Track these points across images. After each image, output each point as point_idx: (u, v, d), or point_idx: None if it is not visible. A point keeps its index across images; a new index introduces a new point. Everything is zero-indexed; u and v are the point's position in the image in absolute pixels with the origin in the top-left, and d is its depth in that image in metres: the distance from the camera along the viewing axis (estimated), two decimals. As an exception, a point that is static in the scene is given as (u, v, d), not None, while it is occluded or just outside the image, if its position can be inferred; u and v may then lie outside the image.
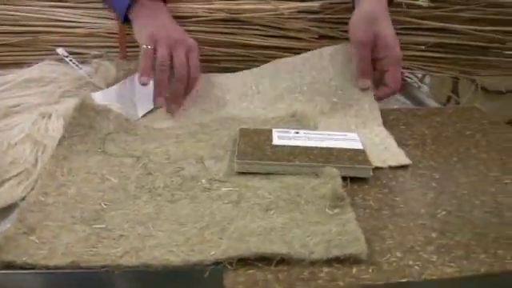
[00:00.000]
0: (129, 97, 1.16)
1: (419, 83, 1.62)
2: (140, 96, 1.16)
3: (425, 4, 1.29)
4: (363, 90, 1.16)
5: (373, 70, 1.17)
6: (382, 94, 1.17)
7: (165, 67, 1.12)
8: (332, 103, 1.15)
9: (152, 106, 1.15)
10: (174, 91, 1.14)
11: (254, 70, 1.26)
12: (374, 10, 1.15)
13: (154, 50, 1.13)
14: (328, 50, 1.23)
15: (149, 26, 1.17)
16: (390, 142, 1.05)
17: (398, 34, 1.17)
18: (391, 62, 1.15)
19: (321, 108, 1.14)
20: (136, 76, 1.18)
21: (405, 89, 1.43)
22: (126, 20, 1.25)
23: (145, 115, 1.14)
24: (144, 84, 1.12)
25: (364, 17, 1.15)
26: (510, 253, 0.74)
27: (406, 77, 1.48)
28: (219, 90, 1.21)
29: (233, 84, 1.23)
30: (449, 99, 2.01)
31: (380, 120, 1.12)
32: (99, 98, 1.11)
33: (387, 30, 1.14)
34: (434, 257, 0.72)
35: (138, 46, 1.26)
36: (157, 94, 1.13)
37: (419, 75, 1.61)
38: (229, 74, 1.26)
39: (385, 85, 1.17)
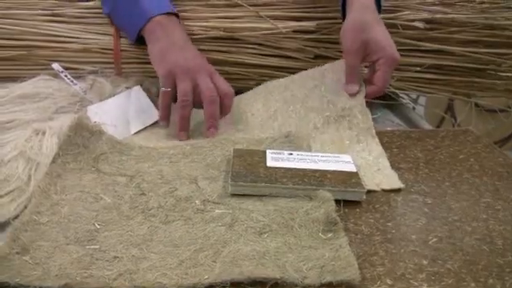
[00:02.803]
0: (123, 113, 1.16)
1: (414, 105, 1.62)
2: (134, 113, 1.17)
3: (421, 25, 1.30)
4: (351, 95, 1.16)
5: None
6: (367, 93, 1.17)
7: (187, 102, 1.11)
8: (325, 117, 1.15)
9: (145, 125, 1.16)
10: (208, 114, 1.12)
11: (247, 93, 1.28)
12: (362, 17, 1.15)
13: (175, 86, 1.13)
14: (319, 69, 1.24)
15: (165, 57, 1.16)
16: (383, 161, 1.05)
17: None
18: (383, 62, 1.13)
19: (314, 123, 1.14)
20: (132, 91, 1.18)
21: (399, 110, 1.43)
22: (137, 39, 1.24)
23: (137, 133, 1.14)
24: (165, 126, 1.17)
25: (353, 25, 1.15)
26: (501, 282, 0.74)
27: (401, 97, 1.49)
28: None
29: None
30: (443, 119, 2.02)
31: (373, 130, 1.12)
32: (93, 112, 1.11)
33: (378, 34, 1.14)
34: (425, 285, 0.73)
35: (133, 63, 1.28)
36: (180, 128, 1.13)
37: (414, 96, 1.61)
38: None
39: (372, 83, 1.16)
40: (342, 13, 1.23)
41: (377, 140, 1.11)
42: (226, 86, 1.15)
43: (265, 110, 1.22)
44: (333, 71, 1.21)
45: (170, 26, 1.20)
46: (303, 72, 1.26)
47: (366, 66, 1.24)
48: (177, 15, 1.24)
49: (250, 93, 1.28)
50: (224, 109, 1.15)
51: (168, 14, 1.22)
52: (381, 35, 1.14)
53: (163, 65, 1.14)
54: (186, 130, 1.13)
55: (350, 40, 1.15)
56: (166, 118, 1.16)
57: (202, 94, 1.12)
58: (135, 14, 1.22)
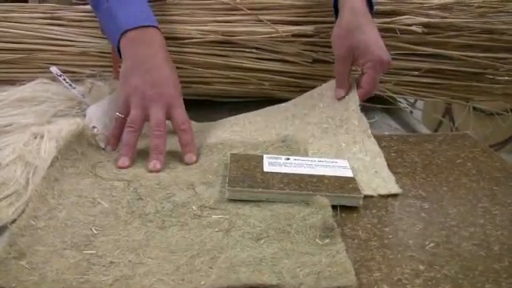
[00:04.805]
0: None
1: (411, 109, 1.63)
2: None
3: (419, 30, 1.30)
4: (339, 99, 1.18)
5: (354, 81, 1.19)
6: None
7: (133, 129, 1.05)
8: (323, 128, 1.15)
9: None
10: (152, 147, 1.04)
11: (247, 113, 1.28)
12: (350, 21, 1.15)
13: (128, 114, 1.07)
14: (317, 90, 1.25)
15: (127, 79, 1.09)
16: (381, 161, 1.05)
17: (391, 59, 1.17)
18: (370, 66, 1.13)
19: (312, 133, 1.15)
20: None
21: (396, 114, 1.43)
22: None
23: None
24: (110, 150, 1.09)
25: (341, 30, 1.16)
26: (497, 287, 0.74)
27: (398, 101, 1.49)
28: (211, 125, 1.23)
29: (225, 120, 1.24)
30: (440, 123, 2.02)
31: (369, 131, 1.13)
32: (91, 114, 1.11)
33: (366, 37, 1.14)
34: (421, 291, 0.73)
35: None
36: (123, 154, 1.04)
37: (411, 100, 1.62)
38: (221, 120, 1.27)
39: (360, 87, 1.16)
40: (335, 17, 1.24)
41: (373, 139, 1.11)
42: (181, 119, 1.07)
43: (263, 120, 1.23)
44: (330, 88, 1.22)
45: (142, 43, 1.12)
46: (304, 94, 1.27)
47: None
48: (155, 27, 1.16)
49: (249, 112, 1.28)
50: (183, 145, 1.07)
51: (144, 27, 1.13)
52: (369, 38, 1.14)
53: (123, 88, 1.09)
54: (128, 156, 1.04)
55: (337, 46, 1.16)
56: (113, 144, 1.09)
57: (150, 126, 1.05)
58: (113, 29, 1.15)
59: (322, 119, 1.17)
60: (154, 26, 1.15)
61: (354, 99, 1.16)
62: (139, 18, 1.14)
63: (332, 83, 1.21)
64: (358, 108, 1.15)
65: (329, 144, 1.11)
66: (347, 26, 1.15)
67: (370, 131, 1.12)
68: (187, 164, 1.05)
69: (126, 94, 1.08)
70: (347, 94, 1.17)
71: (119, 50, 1.14)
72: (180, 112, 1.08)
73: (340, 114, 1.16)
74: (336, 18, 1.22)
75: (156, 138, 1.04)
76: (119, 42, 1.13)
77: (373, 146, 1.10)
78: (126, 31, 1.11)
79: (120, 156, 1.04)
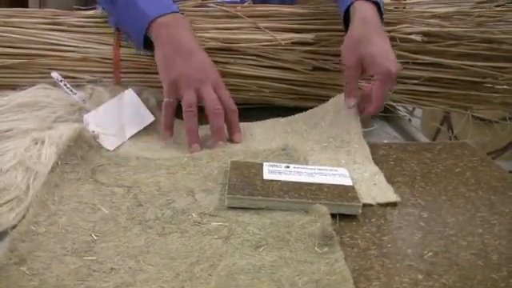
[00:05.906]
0: (117, 117, 1.17)
1: (410, 116, 1.63)
2: (128, 117, 1.18)
3: (418, 38, 1.30)
4: (349, 108, 1.18)
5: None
6: (364, 115, 1.19)
7: (192, 112, 1.11)
8: (322, 146, 1.15)
9: (140, 127, 1.16)
10: (215, 128, 1.13)
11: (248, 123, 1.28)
12: (360, 31, 1.16)
13: (177, 96, 1.14)
14: (321, 108, 1.25)
15: (170, 65, 1.15)
16: (379, 177, 1.05)
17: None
18: (377, 78, 1.13)
19: (312, 147, 1.15)
20: (125, 95, 1.19)
21: (395, 122, 1.44)
22: (145, 45, 1.23)
23: (134, 142, 1.15)
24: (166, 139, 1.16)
25: (351, 40, 1.17)
26: (495, 297, 0.74)
27: (397, 109, 1.49)
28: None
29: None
30: (439, 131, 2.02)
31: (370, 157, 1.12)
32: (89, 120, 1.11)
33: (375, 49, 1.14)
34: (420, 300, 0.73)
35: (132, 73, 1.28)
36: (191, 141, 1.12)
37: (410, 108, 1.62)
38: None
39: (367, 102, 1.16)
40: (344, 27, 1.24)
41: (373, 164, 1.10)
42: (229, 101, 1.15)
43: (264, 133, 1.23)
44: (334, 103, 1.23)
45: (175, 27, 1.19)
46: (306, 112, 1.28)
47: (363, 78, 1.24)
48: (181, 13, 1.24)
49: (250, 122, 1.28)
50: (232, 126, 1.16)
51: (172, 13, 1.21)
52: (377, 49, 1.14)
53: (167, 73, 1.15)
54: (196, 143, 1.12)
55: (347, 56, 1.17)
56: (168, 128, 1.16)
57: (206, 106, 1.12)
58: (138, 19, 1.20)
59: (323, 138, 1.17)
60: (179, 12, 1.23)
61: (355, 123, 1.17)
62: (165, 6, 1.22)
63: (336, 100, 1.23)
64: (360, 133, 1.16)
65: (328, 158, 1.11)
66: (357, 36, 1.16)
67: (370, 157, 1.12)
68: (236, 142, 1.16)
69: (172, 77, 1.14)
70: (357, 102, 1.18)
71: (145, 39, 1.21)
72: (226, 93, 1.16)
73: (341, 136, 1.16)
74: (345, 27, 1.22)
75: (216, 118, 1.13)
76: (147, 29, 1.19)
77: (372, 167, 1.09)
78: (156, 18, 1.19)
79: (190, 144, 1.12)
